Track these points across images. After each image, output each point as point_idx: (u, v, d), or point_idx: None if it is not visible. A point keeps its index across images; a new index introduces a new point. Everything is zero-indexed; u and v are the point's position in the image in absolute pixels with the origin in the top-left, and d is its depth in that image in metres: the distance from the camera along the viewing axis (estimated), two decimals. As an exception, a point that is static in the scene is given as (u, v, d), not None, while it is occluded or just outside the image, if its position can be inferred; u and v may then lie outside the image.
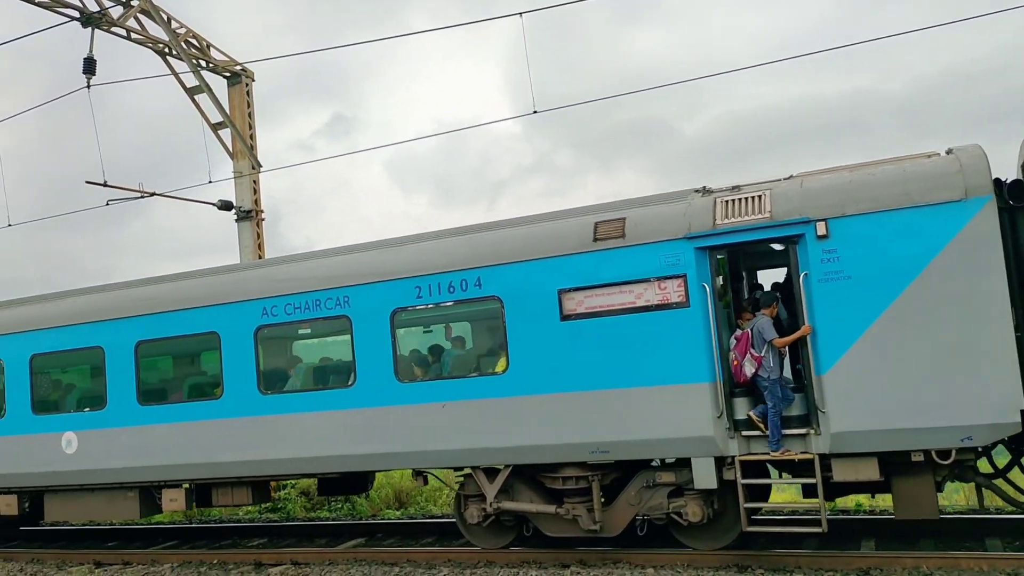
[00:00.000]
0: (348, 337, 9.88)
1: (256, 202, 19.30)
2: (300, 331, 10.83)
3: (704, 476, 7.97)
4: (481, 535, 9.83)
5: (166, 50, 17.99)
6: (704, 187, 8.56)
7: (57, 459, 11.85)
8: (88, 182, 16.79)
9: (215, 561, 11.67)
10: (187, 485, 11.45)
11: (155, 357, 11.97)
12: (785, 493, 11.97)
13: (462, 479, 9.83)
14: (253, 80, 19.87)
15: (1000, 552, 8.32)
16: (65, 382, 12.93)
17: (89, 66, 16.54)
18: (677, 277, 8.05)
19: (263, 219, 19.42)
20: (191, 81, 18.27)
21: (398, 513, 15.12)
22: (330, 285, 9.99)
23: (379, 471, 11.72)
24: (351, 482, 11.43)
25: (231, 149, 19.11)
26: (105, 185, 17.01)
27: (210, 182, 17.47)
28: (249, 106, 19.63)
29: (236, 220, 19.05)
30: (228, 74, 19.24)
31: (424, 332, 10.11)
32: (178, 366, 12.29)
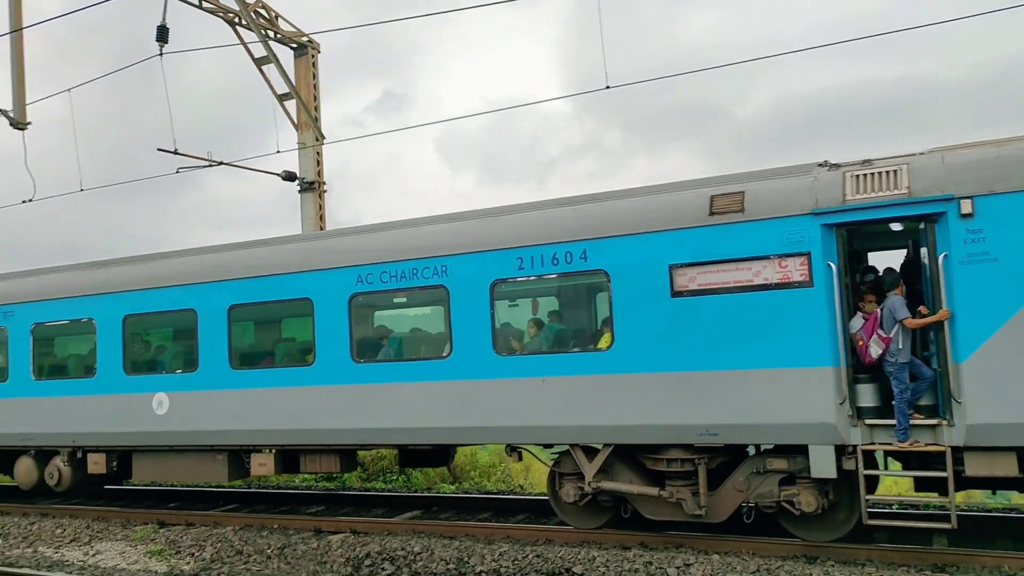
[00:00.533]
0: (445, 307, 9.66)
1: (319, 174, 19.26)
2: (395, 300, 10.64)
3: (822, 465, 7.58)
4: (575, 514, 9.59)
5: (236, 20, 17.92)
6: (827, 161, 8.12)
7: (147, 419, 11.85)
8: (160, 149, 16.84)
9: (275, 526, 11.70)
10: (275, 451, 11.35)
11: (247, 322, 11.85)
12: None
13: (556, 456, 9.59)
14: (319, 52, 19.78)
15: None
16: (158, 343, 12.93)
17: (162, 34, 16.47)
18: (800, 255, 7.65)
19: (325, 191, 19.38)
20: (258, 52, 18.23)
21: (452, 487, 14.99)
22: (428, 254, 9.79)
23: (472, 445, 11.47)
24: (434, 454, 11.28)
25: (296, 120, 19.06)
26: (176, 153, 17.03)
27: (278, 152, 17.41)
28: (314, 77, 19.55)
29: (299, 191, 19.07)
30: (295, 45, 19.18)
31: (525, 304, 9.84)
32: (270, 331, 12.17)
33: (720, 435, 8.05)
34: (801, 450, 7.86)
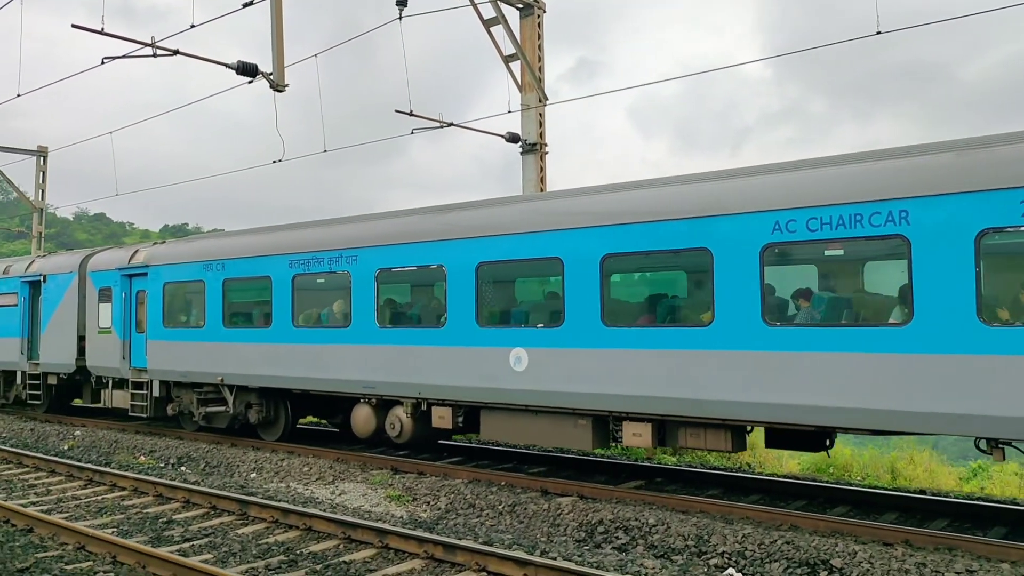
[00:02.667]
0: (904, 262, 8.01)
1: (541, 135, 19.23)
2: (827, 252, 8.96)
3: None
4: None
5: (466, -19, 18.14)
6: None
7: (503, 375, 11.14)
8: (397, 111, 17.58)
9: (503, 483, 11.81)
10: (652, 420, 10.17)
11: (624, 273, 10.74)
12: None
13: None
14: (544, 11, 19.65)
15: None
16: (515, 294, 12.15)
17: (402, -3, 16.95)
18: None
19: (547, 152, 19.35)
20: (487, 13, 18.42)
21: (674, 459, 14.63)
22: (878, 196, 8.15)
23: (929, 434, 9.21)
24: (812, 438, 9.80)
25: (519, 81, 19.13)
26: (411, 115, 17.68)
27: (509, 112, 17.66)
28: (539, 38, 19.46)
29: (521, 153, 19.20)
30: (521, 5, 19.17)
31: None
32: (652, 285, 10.88)
33: None
34: None
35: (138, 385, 17.17)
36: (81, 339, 18.68)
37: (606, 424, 10.70)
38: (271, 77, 14.39)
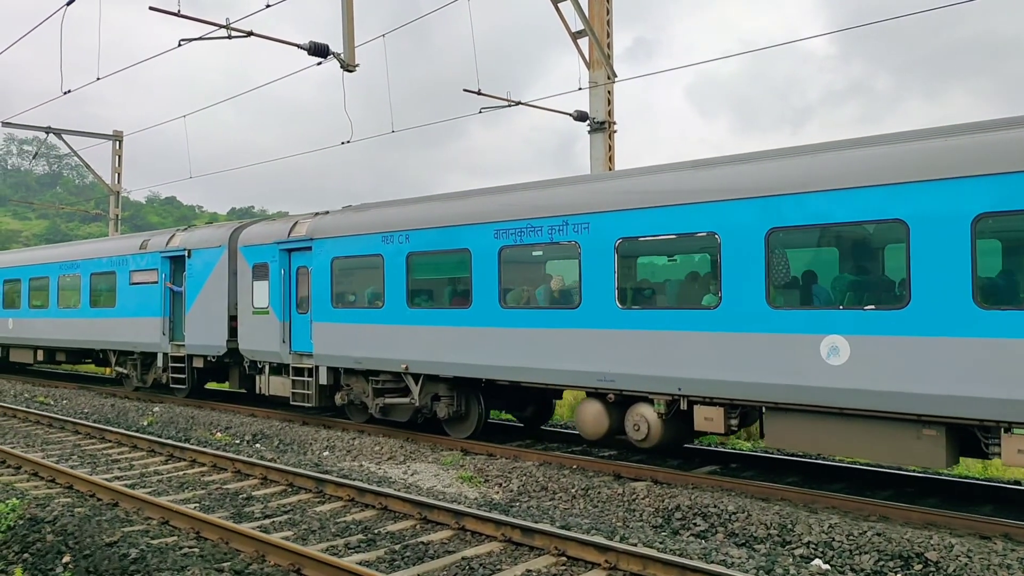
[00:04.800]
0: None
1: (609, 113, 18.89)
2: None
3: None
4: None
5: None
6: None
7: (808, 370, 9.02)
8: (466, 90, 17.46)
9: (574, 466, 11.69)
10: None
11: (1010, 235, 8.24)
12: None
13: None
14: (614, -15, 19.23)
15: None
16: (826, 268, 9.78)
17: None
18: None
19: (615, 131, 19.01)
20: (555, -11, 18.14)
21: (748, 445, 14.29)
22: None
23: None
24: None
25: (587, 58, 18.79)
26: (479, 94, 17.56)
27: (579, 89, 17.41)
28: (608, 13, 19.06)
29: (589, 132, 18.87)
30: (588, -20, 18.81)
31: None
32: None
33: None
34: None
35: (299, 371, 15.48)
36: (232, 319, 17.13)
37: (968, 435, 8.62)
38: (341, 57, 14.42)
